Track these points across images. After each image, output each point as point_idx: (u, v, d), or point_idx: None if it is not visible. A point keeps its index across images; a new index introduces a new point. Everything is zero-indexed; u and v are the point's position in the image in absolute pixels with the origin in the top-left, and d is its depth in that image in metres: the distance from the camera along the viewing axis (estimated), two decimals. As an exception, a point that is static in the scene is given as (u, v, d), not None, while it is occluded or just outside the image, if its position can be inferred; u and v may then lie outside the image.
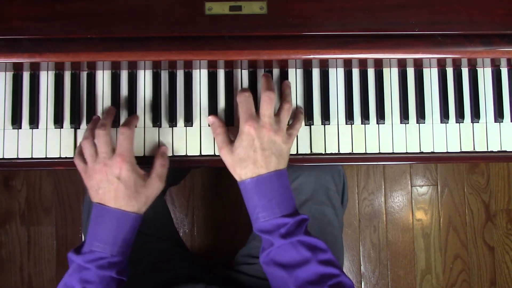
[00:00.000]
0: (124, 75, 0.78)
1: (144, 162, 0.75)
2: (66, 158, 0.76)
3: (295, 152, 0.78)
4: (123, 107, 0.78)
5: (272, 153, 0.68)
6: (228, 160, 0.70)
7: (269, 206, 0.67)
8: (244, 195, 0.70)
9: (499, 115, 0.79)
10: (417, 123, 0.79)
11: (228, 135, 0.72)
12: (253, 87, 0.78)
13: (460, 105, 0.79)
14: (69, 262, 0.70)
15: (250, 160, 0.68)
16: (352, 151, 0.78)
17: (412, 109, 0.79)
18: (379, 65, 0.79)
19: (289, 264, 0.66)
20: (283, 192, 0.68)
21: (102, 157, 0.69)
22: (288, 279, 0.66)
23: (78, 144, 0.76)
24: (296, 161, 0.78)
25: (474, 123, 0.79)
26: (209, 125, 0.77)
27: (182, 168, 1.23)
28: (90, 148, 0.70)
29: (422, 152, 0.79)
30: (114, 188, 0.68)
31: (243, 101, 0.70)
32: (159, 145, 0.77)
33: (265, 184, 0.68)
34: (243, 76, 0.79)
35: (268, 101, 0.69)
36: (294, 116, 0.76)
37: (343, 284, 0.65)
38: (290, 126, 0.74)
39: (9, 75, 0.77)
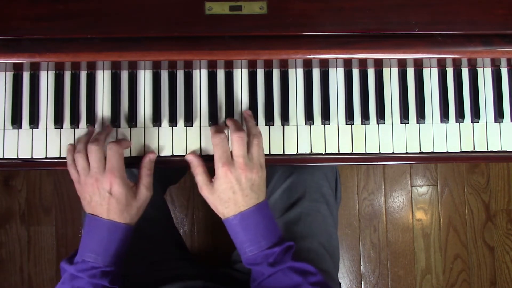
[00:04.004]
0: (124, 75, 0.78)
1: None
2: (66, 158, 0.76)
3: (295, 152, 0.78)
4: (123, 107, 0.78)
5: (252, 191, 0.70)
6: (210, 199, 0.72)
7: (255, 240, 0.70)
8: (229, 231, 0.72)
9: (499, 115, 0.79)
10: (417, 123, 0.79)
11: (207, 174, 0.72)
12: (253, 87, 0.78)
13: (460, 105, 0.79)
14: (61, 271, 0.71)
15: (231, 201, 0.70)
16: (352, 151, 0.78)
17: (412, 109, 0.79)
18: (379, 65, 0.79)
19: None
20: (267, 224, 0.71)
21: (94, 172, 0.69)
22: None
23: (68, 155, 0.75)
24: (296, 161, 0.78)
25: (474, 123, 0.79)
26: (209, 125, 0.77)
27: (181, 167, 1.23)
28: (82, 162, 0.71)
29: (422, 152, 0.79)
30: (106, 202, 0.69)
31: (219, 144, 0.71)
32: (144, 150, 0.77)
33: (248, 219, 0.70)
34: (243, 76, 0.79)
35: (240, 141, 0.70)
36: (250, 143, 0.73)
37: None
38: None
39: (9, 75, 0.77)
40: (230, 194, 0.69)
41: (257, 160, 0.71)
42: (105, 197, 0.69)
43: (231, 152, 0.71)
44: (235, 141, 0.70)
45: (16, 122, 0.76)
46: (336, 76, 0.79)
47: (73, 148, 0.74)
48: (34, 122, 0.76)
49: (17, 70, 0.77)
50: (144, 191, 0.72)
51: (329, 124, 0.78)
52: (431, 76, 0.80)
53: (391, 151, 0.78)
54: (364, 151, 0.78)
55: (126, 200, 0.70)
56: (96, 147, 0.70)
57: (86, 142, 0.72)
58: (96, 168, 0.69)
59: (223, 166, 0.69)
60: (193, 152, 0.76)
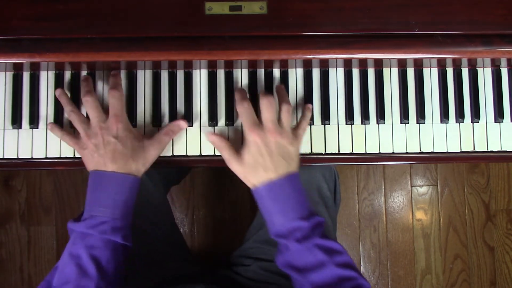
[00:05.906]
0: (124, 75, 0.78)
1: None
2: (66, 158, 0.76)
3: (295, 152, 0.78)
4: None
5: (281, 156, 0.68)
6: (239, 170, 0.70)
7: (284, 210, 0.68)
8: (258, 201, 0.70)
9: (499, 115, 0.79)
10: (417, 123, 0.79)
11: (232, 148, 0.71)
12: (253, 87, 0.78)
13: (460, 105, 0.79)
14: (69, 232, 0.69)
15: (259, 166, 0.68)
16: (352, 151, 0.78)
17: (412, 109, 0.79)
18: (379, 65, 0.79)
19: (304, 268, 0.66)
20: (296, 196, 0.69)
21: (95, 121, 0.69)
22: (304, 282, 0.66)
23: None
24: (296, 161, 0.78)
25: (474, 123, 0.79)
26: (209, 125, 0.77)
27: (182, 167, 1.24)
28: (79, 116, 0.71)
29: (422, 152, 0.79)
30: (111, 148, 0.68)
31: (244, 112, 0.70)
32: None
33: (277, 189, 0.68)
34: (243, 76, 0.79)
35: (269, 106, 0.70)
36: (302, 114, 0.76)
37: (361, 286, 0.65)
38: (297, 126, 0.74)
39: (9, 75, 0.77)
40: (259, 158, 0.68)
41: (287, 127, 0.71)
42: (110, 142, 0.68)
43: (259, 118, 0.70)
44: (264, 105, 0.70)
45: (16, 122, 0.76)
46: (336, 76, 0.79)
47: (55, 126, 0.74)
48: (34, 122, 0.76)
49: (17, 70, 0.77)
50: (156, 143, 0.72)
51: (329, 124, 0.78)
52: (431, 76, 0.80)
53: (391, 151, 0.78)
54: (364, 151, 0.78)
55: (132, 145, 0.69)
56: (91, 98, 0.70)
57: (69, 103, 0.73)
58: (97, 117, 0.69)
59: (251, 131, 0.68)
60: (212, 132, 0.74)
